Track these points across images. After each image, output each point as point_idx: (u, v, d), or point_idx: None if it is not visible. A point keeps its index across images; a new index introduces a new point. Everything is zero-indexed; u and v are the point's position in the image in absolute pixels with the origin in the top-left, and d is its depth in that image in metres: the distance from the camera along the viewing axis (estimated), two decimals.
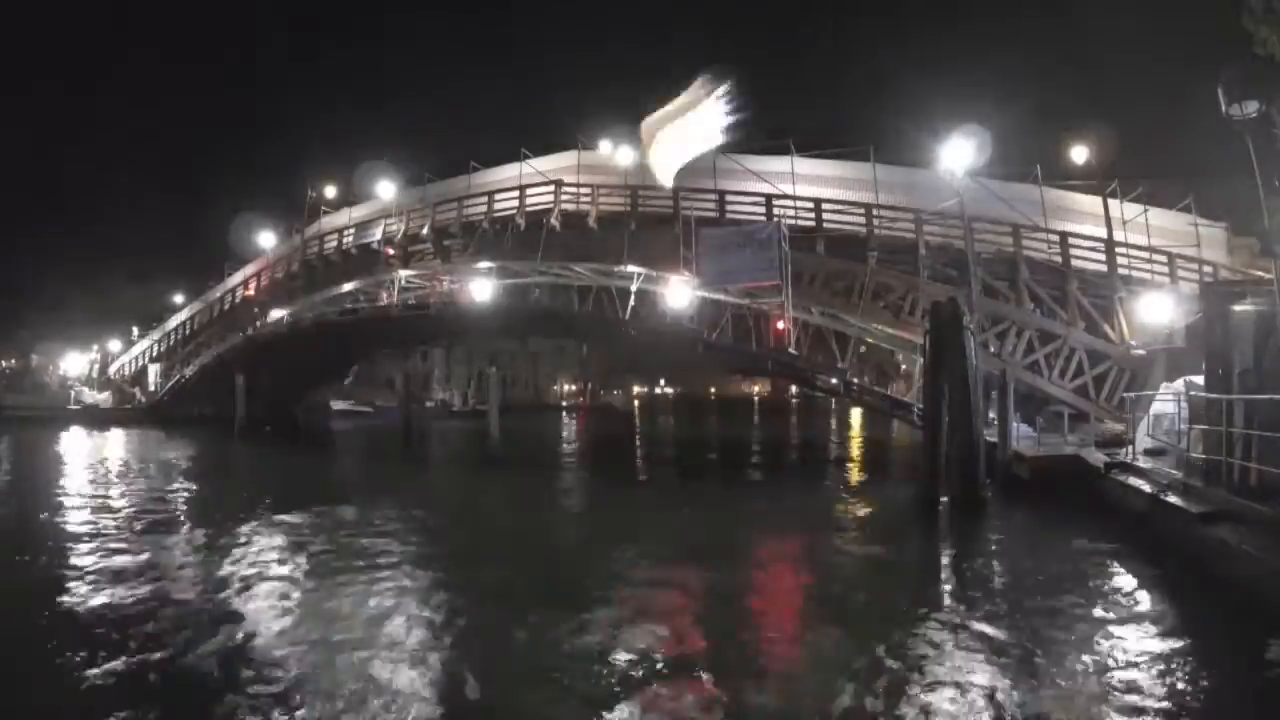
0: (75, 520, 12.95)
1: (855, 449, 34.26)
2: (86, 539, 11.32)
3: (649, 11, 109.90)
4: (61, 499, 15.52)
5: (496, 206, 25.22)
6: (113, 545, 10.86)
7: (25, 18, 75.51)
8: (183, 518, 13.79)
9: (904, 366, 24.68)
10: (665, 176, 20.37)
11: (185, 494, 17.25)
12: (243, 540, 11.27)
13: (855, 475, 24.28)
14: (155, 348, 42.20)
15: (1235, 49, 11.54)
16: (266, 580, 8.98)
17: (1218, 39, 14.59)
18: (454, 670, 6.19)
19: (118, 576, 9.04)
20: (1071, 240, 19.34)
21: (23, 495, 16.76)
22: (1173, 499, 9.54)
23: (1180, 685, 6.50)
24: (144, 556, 10.14)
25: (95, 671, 6.01)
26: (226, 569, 9.47)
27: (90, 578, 9.03)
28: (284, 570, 9.55)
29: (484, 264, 25.70)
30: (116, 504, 14.85)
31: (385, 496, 16.13)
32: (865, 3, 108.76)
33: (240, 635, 6.91)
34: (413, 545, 11.13)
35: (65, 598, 8.19)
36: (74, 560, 9.92)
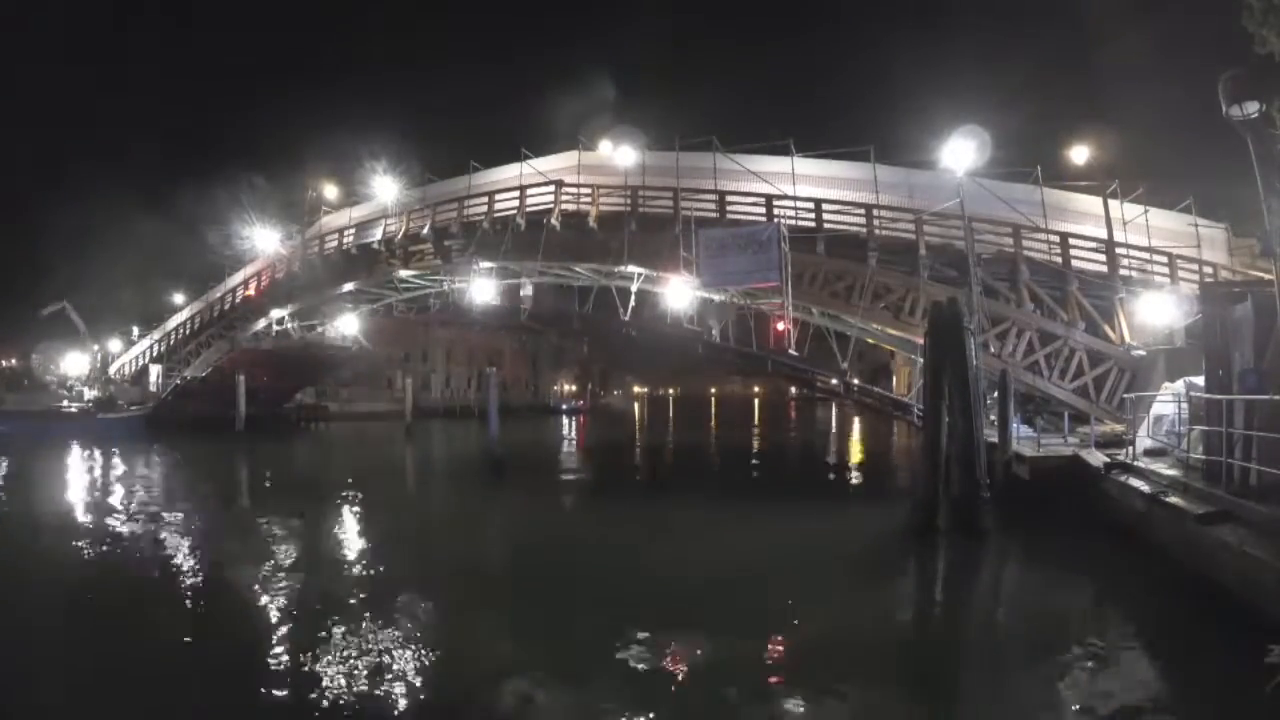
0: None
1: (854, 450, 34.30)
2: None
3: (650, 12, 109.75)
4: None
5: (497, 207, 25.20)
6: None
7: (27, 15, 75.40)
8: None
9: (904, 368, 24.64)
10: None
11: None
12: None
13: (853, 479, 24.33)
14: (156, 348, 42.16)
15: (1235, 49, 11.52)
16: None
17: (1218, 39, 14.58)
18: None
19: None
20: (1072, 241, 19.31)
21: None
22: (1173, 499, 9.51)
23: (1181, 691, 6.50)
24: None
25: None
26: None
27: None
28: None
29: (484, 264, 25.71)
30: None
31: None
32: (866, 4, 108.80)
33: None
34: None
35: None
36: None
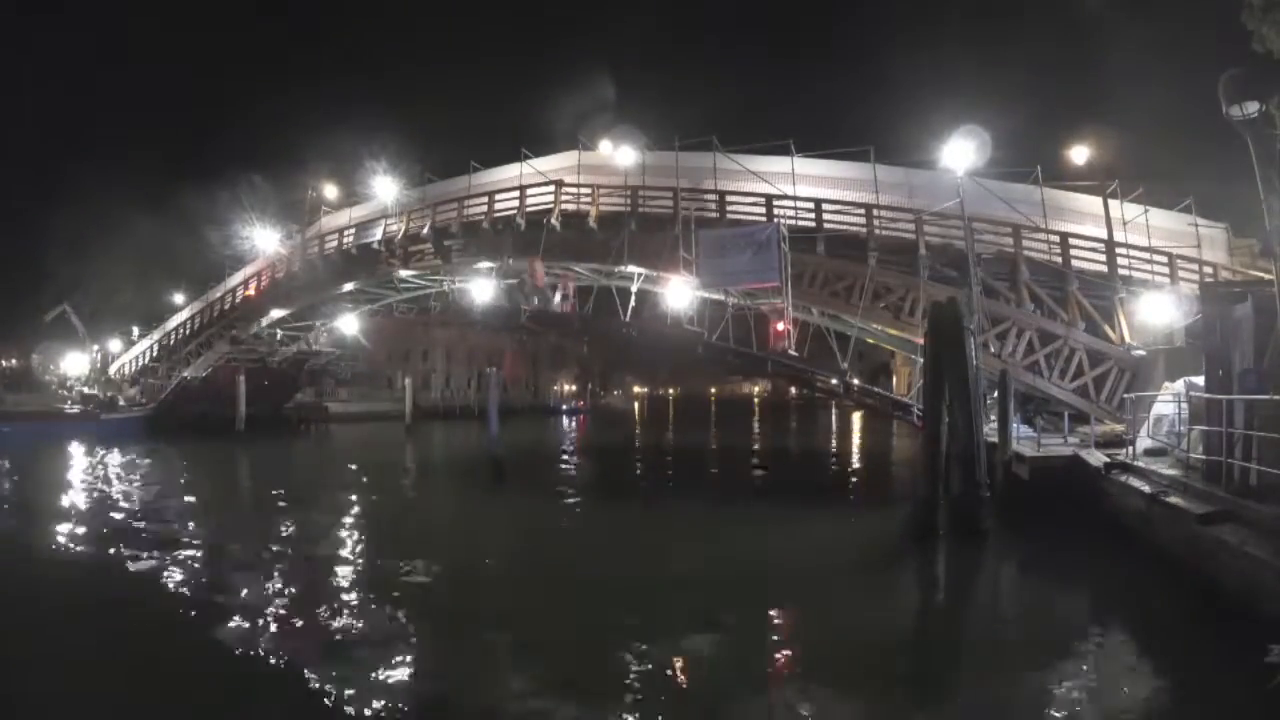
0: None
1: (854, 450, 34.27)
2: None
3: (651, 11, 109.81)
4: None
5: (497, 207, 25.21)
6: None
7: (25, 17, 75.44)
8: None
9: (904, 368, 24.57)
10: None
11: None
12: None
13: (853, 479, 24.32)
14: (156, 348, 42.16)
15: (1235, 48, 11.51)
16: None
17: (1218, 38, 14.57)
18: None
19: None
20: (1072, 241, 19.30)
21: None
22: (1173, 499, 9.50)
23: (1181, 691, 6.49)
24: None
25: None
26: None
27: None
28: None
29: (484, 264, 25.70)
30: None
31: None
32: (866, 4, 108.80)
33: None
34: None
35: None
36: None
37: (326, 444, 37.96)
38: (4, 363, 56.66)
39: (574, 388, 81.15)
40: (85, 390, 41.31)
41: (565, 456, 32.19)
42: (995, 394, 15.48)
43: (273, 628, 8.21)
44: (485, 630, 8.39)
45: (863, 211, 20.60)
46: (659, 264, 21.95)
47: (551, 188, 24.01)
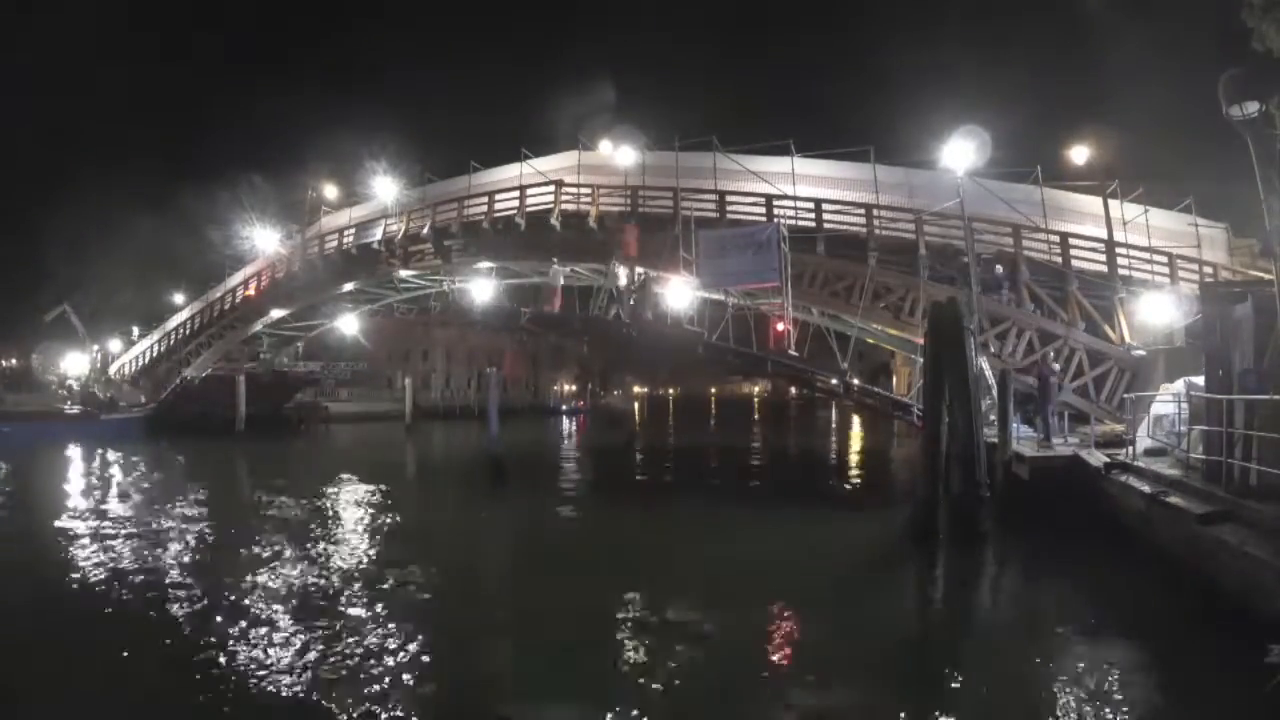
0: None
1: (854, 451, 34.27)
2: None
3: (651, 13, 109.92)
4: None
5: (497, 207, 25.22)
6: None
7: (25, 15, 75.44)
8: None
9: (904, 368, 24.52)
10: None
11: None
12: None
13: (853, 479, 24.31)
14: (156, 348, 42.15)
15: (1234, 47, 11.50)
16: None
17: (1218, 38, 14.56)
18: None
19: None
20: (1072, 241, 19.30)
21: None
22: (1173, 499, 9.48)
23: (1180, 691, 6.49)
24: None
25: None
26: None
27: None
28: None
29: (484, 264, 25.72)
30: None
31: None
32: (866, 4, 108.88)
33: None
34: None
35: None
36: None
37: (326, 444, 37.95)
38: (4, 363, 56.68)
39: (574, 388, 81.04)
40: (85, 390, 41.28)
41: (566, 456, 32.17)
42: (994, 394, 15.45)
43: (272, 628, 8.21)
44: (485, 632, 8.40)
45: (863, 211, 20.61)
46: (659, 264, 21.95)
47: (552, 188, 24.02)
